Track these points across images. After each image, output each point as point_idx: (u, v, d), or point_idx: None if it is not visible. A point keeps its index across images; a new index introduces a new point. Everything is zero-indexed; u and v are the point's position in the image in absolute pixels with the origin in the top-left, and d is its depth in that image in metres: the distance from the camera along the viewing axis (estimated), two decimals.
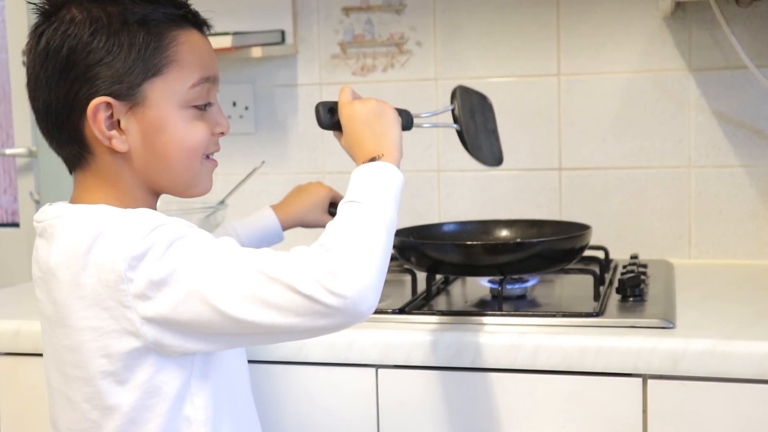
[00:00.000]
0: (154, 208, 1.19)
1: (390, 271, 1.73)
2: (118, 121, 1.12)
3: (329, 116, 1.28)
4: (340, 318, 1.05)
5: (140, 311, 1.05)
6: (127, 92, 1.11)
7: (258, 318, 1.04)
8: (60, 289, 1.08)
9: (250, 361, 1.37)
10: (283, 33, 2.05)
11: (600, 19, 1.91)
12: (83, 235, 1.07)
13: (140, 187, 1.16)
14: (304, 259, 1.05)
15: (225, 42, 1.89)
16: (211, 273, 1.05)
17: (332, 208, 1.61)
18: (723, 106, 1.86)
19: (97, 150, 1.14)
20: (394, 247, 1.59)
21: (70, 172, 1.19)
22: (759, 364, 1.27)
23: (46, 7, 1.13)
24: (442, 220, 1.97)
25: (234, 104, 2.11)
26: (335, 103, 1.28)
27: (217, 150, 1.22)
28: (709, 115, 1.87)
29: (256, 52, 1.94)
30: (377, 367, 1.41)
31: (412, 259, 1.54)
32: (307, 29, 2.06)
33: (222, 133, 1.20)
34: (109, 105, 1.11)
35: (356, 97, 1.27)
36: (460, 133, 1.43)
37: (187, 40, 1.15)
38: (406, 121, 1.33)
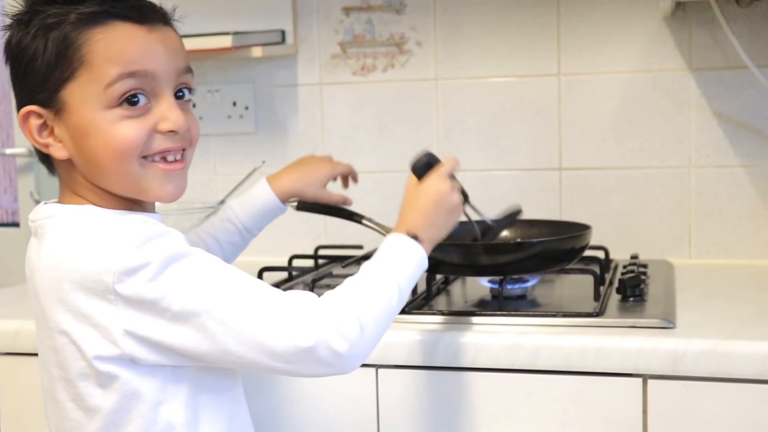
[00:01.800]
0: (136, 210, 1.15)
1: None
2: (54, 128, 1.10)
3: (424, 167, 1.30)
4: (325, 371, 1.07)
5: (123, 325, 1.04)
6: (49, 99, 1.09)
7: (248, 356, 1.05)
8: (43, 291, 1.08)
9: None
10: (283, 33, 2.05)
11: (600, 19, 1.91)
12: (70, 240, 1.07)
13: (99, 192, 1.13)
14: (314, 312, 1.06)
15: (225, 42, 1.89)
16: (209, 303, 1.04)
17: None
18: (723, 106, 1.86)
19: (49, 157, 1.14)
20: None
21: (51, 174, 1.18)
22: (759, 364, 1.27)
23: (12, 19, 1.13)
24: None
25: (234, 104, 2.11)
26: (436, 162, 1.30)
27: (168, 148, 1.12)
28: (710, 115, 1.87)
29: (256, 51, 1.94)
30: (377, 367, 1.41)
31: None
32: (307, 29, 2.06)
33: (173, 131, 1.11)
34: (38, 113, 1.09)
35: (453, 174, 1.30)
36: (474, 240, 1.46)
37: (104, 37, 1.08)
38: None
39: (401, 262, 1.18)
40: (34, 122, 1.10)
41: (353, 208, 1.81)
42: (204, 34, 1.91)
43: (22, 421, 1.55)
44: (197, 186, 2.15)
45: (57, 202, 1.15)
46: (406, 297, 1.17)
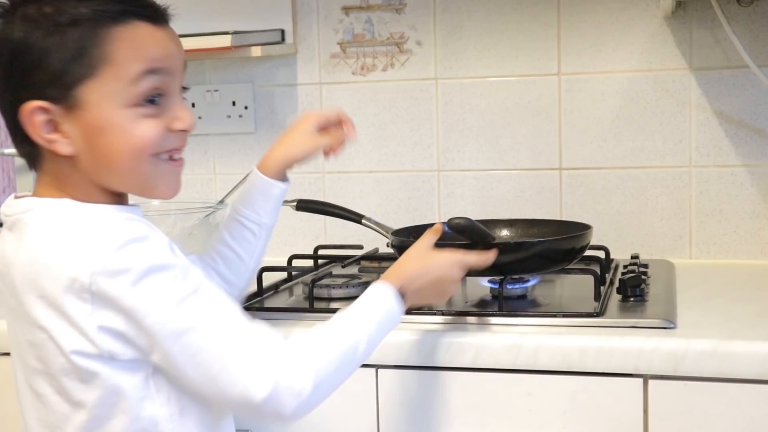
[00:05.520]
0: (121, 203, 1.15)
1: None
2: (61, 124, 1.09)
3: (456, 228, 1.36)
4: (262, 420, 1.10)
5: (98, 322, 1.03)
6: (63, 95, 1.07)
7: (199, 385, 1.06)
8: (21, 286, 1.07)
9: None
10: (282, 32, 2.05)
11: (600, 19, 1.90)
12: (49, 236, 1.06)
13: (95, 189, 1.12)
14: (274, 365, 1.06)
15: (225, 41, 1.89)
16: (179, 328, 1.03)
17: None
18: (724, 105, 1.85)
19: (45, 153, 1.11)
20: (395, 246, 1.59)
21: (31, 169, 1.16)
22: (760, 365, 1.26)
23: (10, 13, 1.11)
24: (442, 220, 1.96)
25: (234, 104, 2.10)
26: (473, 230, 1.36)
27: (177, 147, 1.14)
28: (710, 114, 1.86)
29: (256, 51, 1.94)
30: (377, 367, 1.40)
31: None
32: (306, 28, 2.05)
33: (184, 130, 1.13)
34: (46, 109, 1.08)
35: (462, 268, 1.31)
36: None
37: (127, 36, 1.08)
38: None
39: (379, 318, 1.18)
40: (41, 118, 1.08)
41: (352, 207, 1.81)
42: (203, 34, 1.90)
43: (21, 421, 1.54)
44: (197, 186, 2.15)
45: (32, 196, 1.14)
46: (372, 351, 1.18)
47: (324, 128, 1.38)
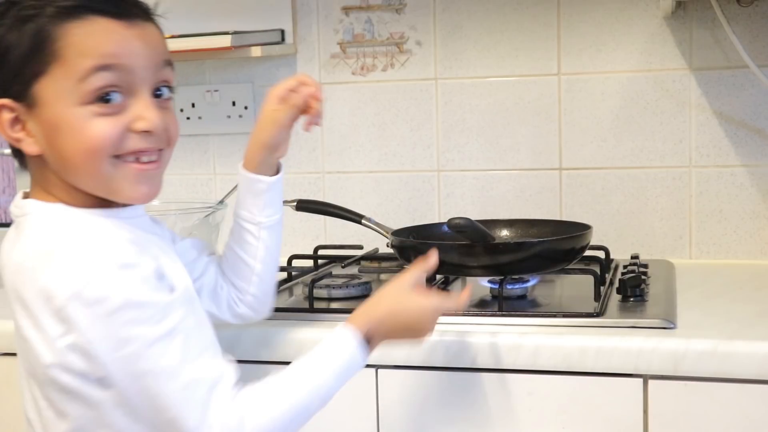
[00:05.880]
0: (110, 207, 1.12)
1: (390, 271, 1.73)
2: (27, 122, 1.07)
3: (455, 227, 1.41)
4: None
5: (69, 340, 1.02)
6: (23, 93, 1.06)
7: (148, 420, 1.04)
8: (10, 291, 1.08)
9: (248, 361, 1.37)
10: (282, 32, 2.05)
11: (600, 19, 1.90)
12: (38, 246, 1.05)
13: (75, 190, 1.09)
14: (225, 423, 1.03)
15: (225, 41, 1.89)
16: (139, 369, 1.01)
17: None
18: (724, 105, 1.85)
19: (21, 152, 1.11)
20: (395, 246, 1.59)
21: (22, 168, 1.15)
22: (760, 365, 1.26)
23: None
24: (442, 220, 1.96)
25: (234, 104, 2.10)
26: (472, 229, 1.40)
27: (142, 148, 1.08)
28: (710, 114, 1.86)
29: (256, 51, 1.94)
30: (377, 367, 1.40)
31: (412, 259, 1.53)
32: (306, 28, 2.05)
33: (148, 132, 1.08)
34: (10, 107, 1.07)
35: (438, 316, 1.23)
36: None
37: (80, 31, 1.04)
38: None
39: (338, 368, 1.14)
40: (6, 116, 1.07)
41: (352, 207, 1.81)
42: (203, 34, 1.90)
43: (22, 422, 1.54)
44: (197, 186, 2.15)
45: (30, 197, 1.12)
46: (329, 401, 1.15)
47: (287, 99, 1.29)
